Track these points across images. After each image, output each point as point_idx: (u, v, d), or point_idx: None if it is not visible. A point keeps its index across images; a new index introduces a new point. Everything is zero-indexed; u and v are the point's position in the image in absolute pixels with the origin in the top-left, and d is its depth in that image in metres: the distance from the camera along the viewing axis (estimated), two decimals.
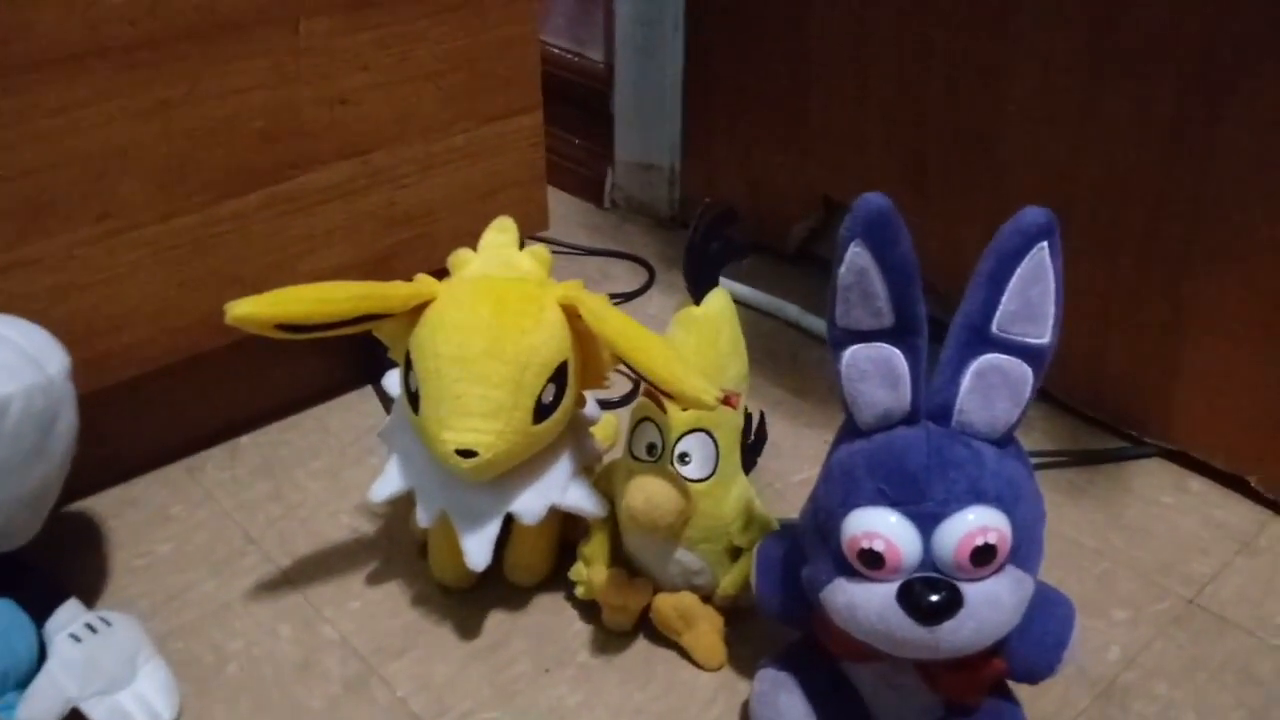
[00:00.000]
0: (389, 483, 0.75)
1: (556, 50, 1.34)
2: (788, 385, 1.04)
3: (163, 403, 0.91)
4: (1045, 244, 0.57)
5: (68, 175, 0.76)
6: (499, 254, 0.73)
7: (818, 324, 1.10)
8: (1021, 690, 0.67)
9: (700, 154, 1.27)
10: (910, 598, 0.56)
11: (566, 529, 0.81)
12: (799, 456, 0.95)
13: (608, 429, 0.89)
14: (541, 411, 0.69)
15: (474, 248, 0.76)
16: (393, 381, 0.79)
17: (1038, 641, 0.62)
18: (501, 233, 0.74)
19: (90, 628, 0.71)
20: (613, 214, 1.36)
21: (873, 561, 0.57)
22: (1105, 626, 0.79)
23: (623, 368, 0.69)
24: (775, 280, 1.16)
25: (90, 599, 0.79)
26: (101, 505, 0.89)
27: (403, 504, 0.85)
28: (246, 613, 0.79)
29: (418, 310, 0.70)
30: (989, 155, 0.98)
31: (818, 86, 1.11)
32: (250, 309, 0.62)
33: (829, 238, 1.19)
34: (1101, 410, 0.98)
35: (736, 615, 0.77)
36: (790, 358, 1.08)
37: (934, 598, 0.56)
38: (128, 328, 0.82)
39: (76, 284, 0.79)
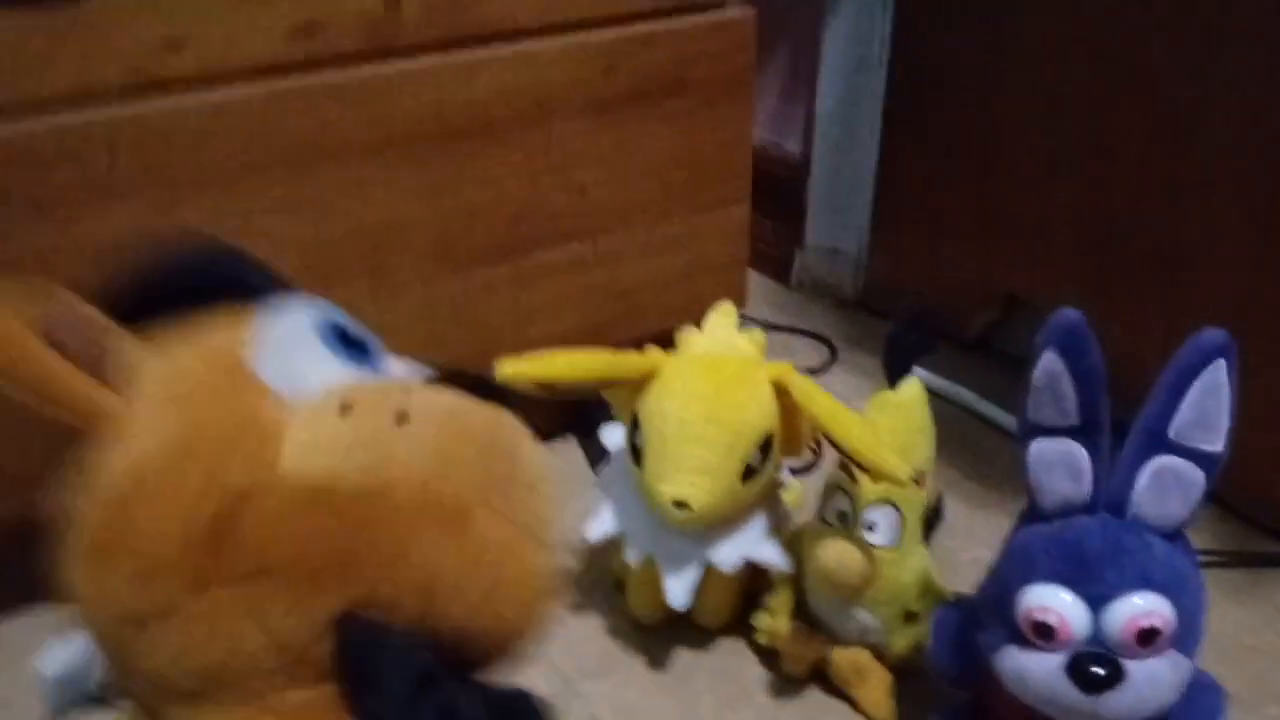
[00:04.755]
0: (602, 524, 0.85)
1: (757, 142, 1.45)
2: (962, 468, 1.11)
3: None
4: (1223, 362, 0.64)
5: (352, 243, 0.90)
6: (721, 334, 0.83)
7: (993, 411, 1.17)
8: None
9: (887, 242, 1.35)
10: (1077, 669, 0.63)
11: (751, 580, 0.90)
12: (970, 537, 1.01)
13: (794, 494, 0.97)
14: (748, 474, 0.78)
15: (678, 322, 0.86)
16: (612, 435, 0.89)
17: None
18: (724, 316, 0.85)
19: None
20: (798, 293, 1.45)
21: (1044, 633, 0.64)
22: None
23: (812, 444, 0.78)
24: (954, 367, 1.22)
25: None
26: None
27: (600, 545, 0.95)
28: None
29: (646, 377, 0.80)
30: (1172, 270, 1.03)
31: (1005, 187, 1.18)
32: (519, 369, 0.74)
33: (1009, 331, 1.25)
34: (1268, 517, 1.01)
35: (905, 675, 0.83)
36: (965, 442, 1.15)
37: (1099, 670, 0.63)
38: None
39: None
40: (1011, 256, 1.20)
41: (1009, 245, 1.20)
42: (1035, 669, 0.64)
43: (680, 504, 0.77)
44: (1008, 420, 1.15)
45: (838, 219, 1.38)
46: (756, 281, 1.47)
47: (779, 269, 1.47)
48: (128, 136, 0.77)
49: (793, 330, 1.35)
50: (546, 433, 1.12)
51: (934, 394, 1.19)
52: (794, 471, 1.06)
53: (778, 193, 1.43)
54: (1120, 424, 0.66)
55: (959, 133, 1.21)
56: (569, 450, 1.13)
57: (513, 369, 0.74)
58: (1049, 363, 0.64)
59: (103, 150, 0.77)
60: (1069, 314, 0.63)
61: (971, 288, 1.25)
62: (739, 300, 1.14)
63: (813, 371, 1.26)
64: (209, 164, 0.81)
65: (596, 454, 1.06)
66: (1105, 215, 1.09)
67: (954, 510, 1.04)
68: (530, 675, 0.85)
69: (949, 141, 1.23)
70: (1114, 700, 0.63)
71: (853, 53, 1.30)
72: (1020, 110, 1.14)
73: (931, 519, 0.84)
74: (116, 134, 0.77)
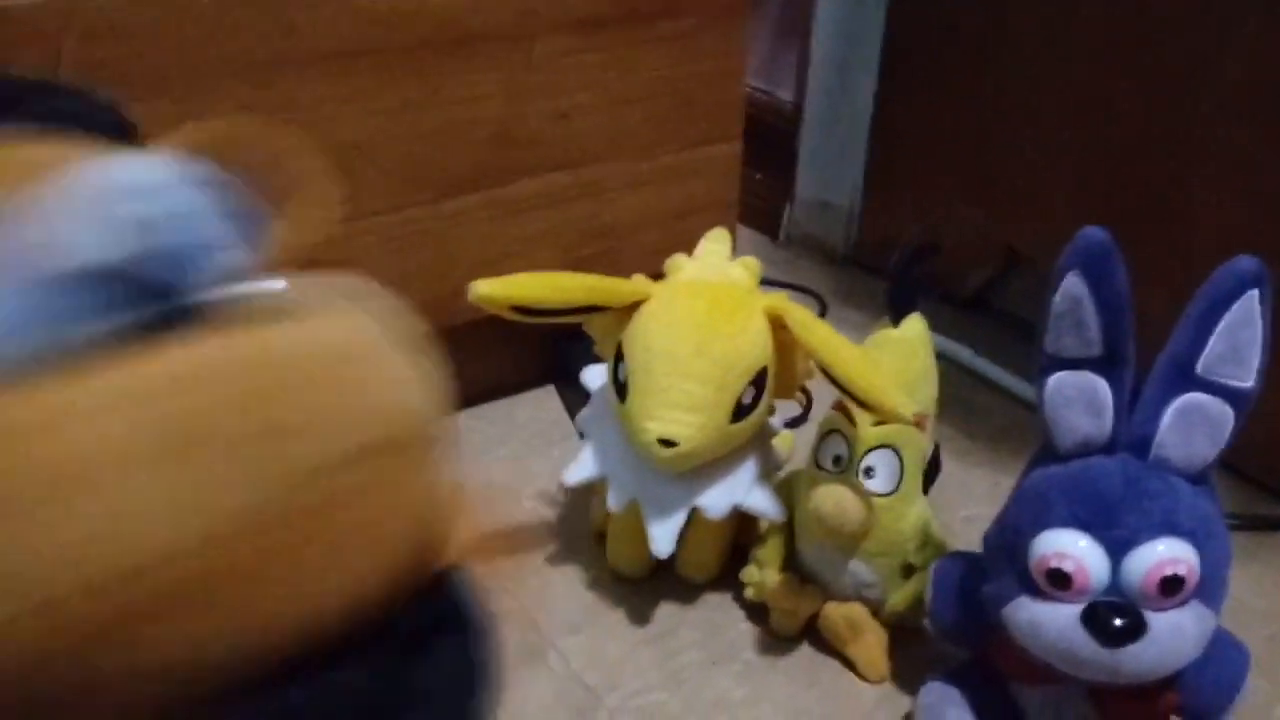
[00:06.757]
0: (583, 468, 0.80)
1: (748, 87, 1.39)
2: (957, 425, 1.06)
3: None
4: (1256, 291, 0.59)
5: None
6: (713, 261, 0.77)
7: (990, 369, 1.12)
8: None
9: (881, 196, 1.30)
10: (1095, 620, 0.58)
11: (739, 532, 0.85)
12: (965, 494, 0.96)
13: (785, 442, 0.92)
14: (739, 412, 0.73)
15: (662, 265, 0.81)
16: (593, 375, 0.84)
17: (1214, 680, 0.63)
18: (716, 243, 0.79)
19: None
20: (787, 248, 1.40)
21: (1060, 582, 0.59)
22: (1270, 687, 0.78)
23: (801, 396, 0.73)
24: (949, 324, 1.18)
25: None
26: None
27: (581, 494, 0.90)
28: None
29: (632, 306, 0.75)
30: (1175, 222, 0.99)
31: (1007, 137, 1.13)
32: (493, 289, 0.68)
33: (1006, 286, 1.21)
34: (1277, 479, 0.97)
35: (901, 633, 0.79)
36: (960, 400, 1.10)
37: (1118, 621, 0.58)
38: None
39: (315, 261, 0.86)
40: (1012, 209, 1.15)
41: (1009, 198, 1.15)
42: (1049, 620, 0.60)
43: (667, 442, 0.71)
44: (1003, 377, 1.11)
45: (830, 171, 1.33)
46: (744, 236, 1.42)
47: (768, 223, 1.42)
48: (76, 26, 0.71)
49: (780, 285, 1.30)
50: (524, 381, 1.09)
51: None
52: (785, 425, 1.01)
53: (768, 143, 1.38)
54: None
55: (959, 81, 1.16)
56: (548, 399, 1.08)
57: (486, 289, 0.68)
58: (1071, 286, 0.59)
59: (48, 42, 0.71)
60: (1094, 232, 0.59)
61: (969, 242, 1.21)
62: None
63: None
64: (163, 64, 0.75)
65: (578, 402, 1.01)
66: (1110, 166, 1.04)
67: (948, 468, 0.98)
68: (506, 631, 0.80)
69: (949, 90, 1.18)
70: (1134, 653, 0.58)
71: None
72: (1024, 58, 1.09)
73: (930, 471, 0.79)
74: (64, 23, 0.71)
